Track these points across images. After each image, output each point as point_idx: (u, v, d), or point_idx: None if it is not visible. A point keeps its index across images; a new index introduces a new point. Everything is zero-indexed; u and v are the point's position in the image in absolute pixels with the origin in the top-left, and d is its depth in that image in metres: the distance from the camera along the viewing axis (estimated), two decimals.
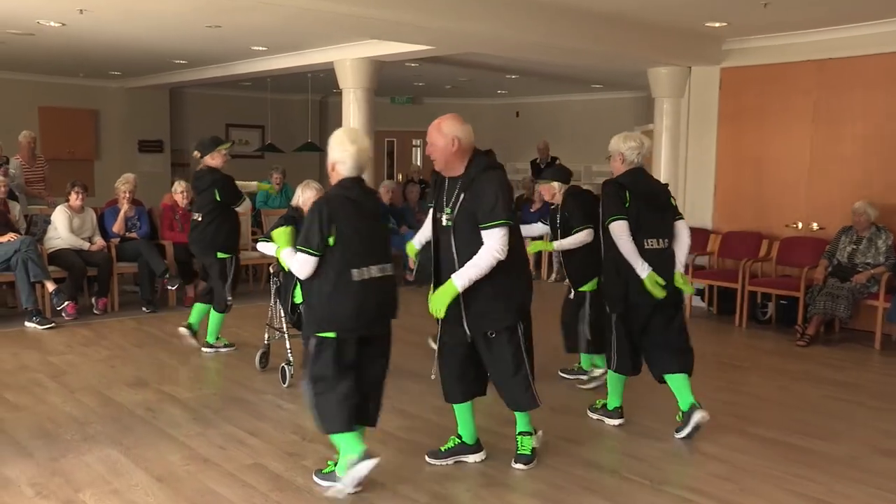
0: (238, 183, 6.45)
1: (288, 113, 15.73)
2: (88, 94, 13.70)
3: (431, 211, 4.14)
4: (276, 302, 5.85)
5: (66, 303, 7.42)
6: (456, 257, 3.87)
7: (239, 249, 6.56)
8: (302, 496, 3.82)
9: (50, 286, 7.45)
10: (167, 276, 8.06)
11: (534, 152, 13.06)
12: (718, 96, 8.77)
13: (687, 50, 8.45)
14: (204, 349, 6.52)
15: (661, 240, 4.60)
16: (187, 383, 5.72)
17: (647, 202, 4.58)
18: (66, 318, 7.53)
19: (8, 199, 8.05)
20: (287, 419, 4.94)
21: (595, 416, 4.98)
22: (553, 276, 10.00)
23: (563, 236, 5.45)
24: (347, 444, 3.69)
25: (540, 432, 4.21)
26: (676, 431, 4.65)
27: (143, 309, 8.08)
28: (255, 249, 7.37)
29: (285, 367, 5.61)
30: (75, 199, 8.05)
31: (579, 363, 5.88)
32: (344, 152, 3.71)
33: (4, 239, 7.42)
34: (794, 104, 8.20)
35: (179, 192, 8.56)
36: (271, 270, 5.85)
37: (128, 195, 8.40)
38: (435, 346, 4.21)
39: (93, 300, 8.05)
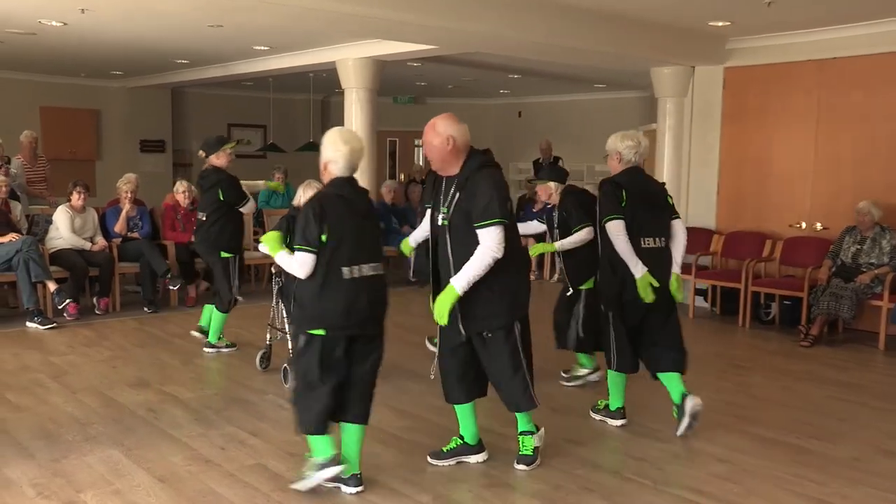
0: (245, 182, 6.47)
1: (290, 113, 15.73)
2: (90, 93, 13.70)
3: (430, 211, 4.13)
4: (277, 302, 5.84)
5: (67, 302, 7.41)
6: (451, 256, 3.87)
7: (243, 249, 6.57)
8: (303, 497, 3.81)
9: (51, 286, 7.45)
10: (169, 276, 8.06)
11: (536, 152, 13.05)
12: (722, 96, 8.76)
13: (690, 49, 8.43)
14: (206, 349, 6.52)
15: (658, 239, 4.62)
16: (189, 384, 5.70)
17: (644, 201, 4.60)
18: (68, 319, 7.53)
19: (9, 199, 8.04)
20: (288, 419, 4.89)
21: (597, 417, 4.97)
22: (556, 276, 10.00)
23: (562, 236, 5.45)
24: (319, 446, 3.77)
25: (542, 430, 4.19)
26: (677, 430, 4.65)
27: (145, 309, 8.07)
28: (257, 249, 7.36)
29: (287, 367, 5.60)
30: (77, 198, 8.05)
31: (580, 363, 5.86)
32: (336, 152, 3.73)
33: (6, 239, 7.42)
34: (797, 104, 8.18)
35: (181, 191, 8.55)
36: (273, 271, 5.83)
37: (129, 195, 8.40)
38: (433, 348, 4.20)
39: (94, 300, 8.04)
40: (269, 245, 3.82)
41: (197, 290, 8.57)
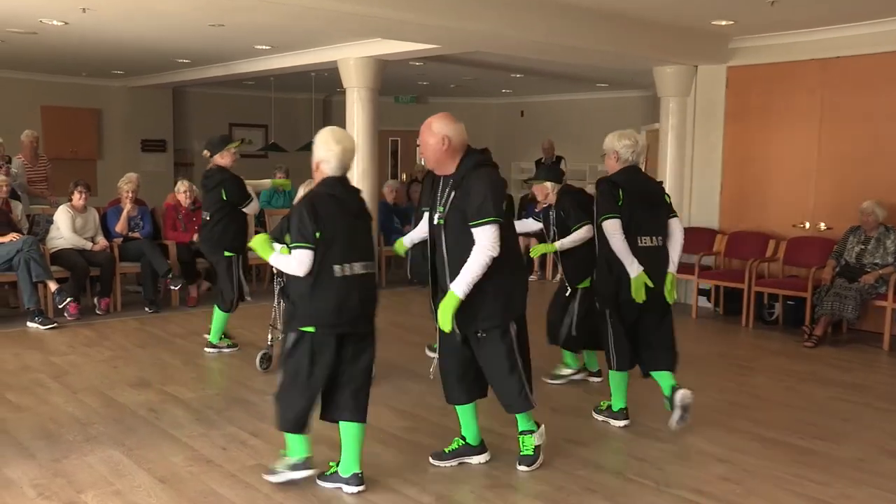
0: (252, 182, 6.46)
1: (291, 112, 15.72)
2: (91, 93, 13.69)
3: (427, 213, 4.12)
4: (279, 302, 5.82)
5: (67, 301, 7.40)
6: (446, 255, 3.86)
7: (247, 249, 6.55)
8: (304, 497, 3.79)
9: (52, 286, 7.44)
10: (170, 276, 8.04)
11: (538, 152, 13.02)
12: (725, 95, 8.73)
13: (693, 48, 8.41)
14: (207, 349, 6.51)
15: (654, 238, 4.63)
16: (190, 384, 5.69)
17: (641, 200, 4.61)
18: (69, 319, 7.52)
19: (10, 199, 8.03)
20: None
21: (600, 418, 4.95)
22: (558, 275, 9.95)
23: (560, 235, 5.47)
24: (295, 446, 3.83)
25: (542, 427, 4.15)
26: (670, 423, 4.66)
27: (146, 309, 8.06)
28: None
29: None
30: (78, 198, 8.03)
31: (583, 364, 5.85)
32: (328, 151, 3.74)
33: (7, 239, 7.41)
34: (800, 103, 8.16)
35: (182, 191, 8.54)
36: (275, 271, 5.82)
37: (130, 195, 8.39)
38: (433, 355, 4.19)
39: (95, 300, 8.03)
40: (258, 249, 3.86)
41: (198, 290, 8.56)
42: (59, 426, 4.71)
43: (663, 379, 4.73)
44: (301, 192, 5.58)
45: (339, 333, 3.72)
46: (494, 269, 3.76)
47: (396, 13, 6.34)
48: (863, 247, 7.26)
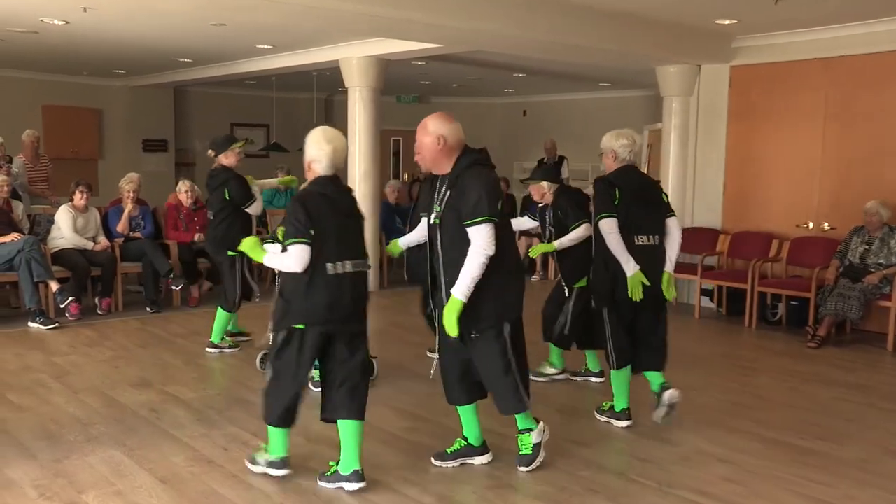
0: (259, 181, 6.47)
1: (293, 111, 15.70)
2: (92, 92, 13.68)
3: (425, 217, 4.11)
4: None
5: (69, 301, 7.39)
6: (441, 254, 3.84)
7: None
8: (306, 498, 3.78)
9: (53, 286, 7.43)
10: (171, 276, 8.03)
11: (541, 151, 13.00)
12: (728, 94, 8.71)
13: (696, 48, 8.39)
14: (208, 349, 6.49)
15: (651, 236, 4.65)
16: (191, 384, 5.68)
17: (638, 199, 4.62)
18: (70, 319, 7.51)
19: (11, 199, 8.02)
20: None
21: (602, 419, 4.94)
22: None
23: (557, 235, 5.47)
24: (276, 441, 3.91)
25: (541, 424, 4.12)
26: (654, 416, 4.72)
27: (147, 309, 8.05)
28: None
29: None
30: (79, 198, 8.02)
31: (586, 365, 5.84)
32: (320, 151, 3.77)
33: (8, 239, 7.40)
34: (804, 102, 8.13)
35: (184, 191, 8.53)
36: (276, 271, 5.80)
37: (132, 195, 8.38)
38: (433, 356, 4.18)
39: (96, 300, 8.01)
40: (250, 252, 3.88)
41: (200, 290, 8.55)
42: (61, 426, 4.70)
43: (654, 377, 4.78)
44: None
45: (329, 331, 3.74)
46: (490, 269, 3.74)
47: (398, 12, 6.32)
48: (867, 247, 7.24)
